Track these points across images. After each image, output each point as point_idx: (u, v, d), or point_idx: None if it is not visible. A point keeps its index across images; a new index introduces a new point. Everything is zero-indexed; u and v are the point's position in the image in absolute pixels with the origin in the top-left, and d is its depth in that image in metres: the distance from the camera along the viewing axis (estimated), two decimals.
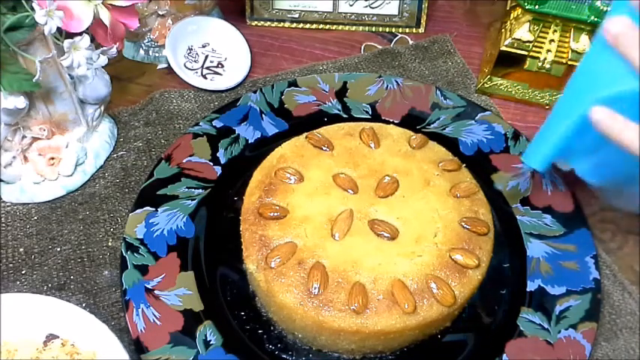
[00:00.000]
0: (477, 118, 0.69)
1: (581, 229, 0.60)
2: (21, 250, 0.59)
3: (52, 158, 0.63)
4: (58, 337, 0.47)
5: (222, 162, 0.64)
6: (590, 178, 0.51)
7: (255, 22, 0.82)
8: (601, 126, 0.44)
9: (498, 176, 0.64)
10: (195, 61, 0.75)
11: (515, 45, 0.72)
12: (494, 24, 0.81)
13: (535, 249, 0.59)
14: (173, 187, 0.61)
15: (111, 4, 0.56)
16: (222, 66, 0.76)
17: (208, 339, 0.52)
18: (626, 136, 0.43)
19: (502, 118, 0.71)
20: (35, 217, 0.62)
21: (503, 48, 0.72)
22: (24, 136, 0.61)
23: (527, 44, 0.71)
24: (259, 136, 0.67)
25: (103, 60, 0.57)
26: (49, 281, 0.57)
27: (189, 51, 0.76)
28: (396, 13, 0.81)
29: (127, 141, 0.68)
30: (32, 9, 0.50)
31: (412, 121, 0.68)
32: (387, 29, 0.82)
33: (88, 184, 0.64)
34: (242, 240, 0.53)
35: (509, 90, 0.74)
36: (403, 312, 0.49)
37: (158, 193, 0.61)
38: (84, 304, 0.56)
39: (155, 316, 0.53)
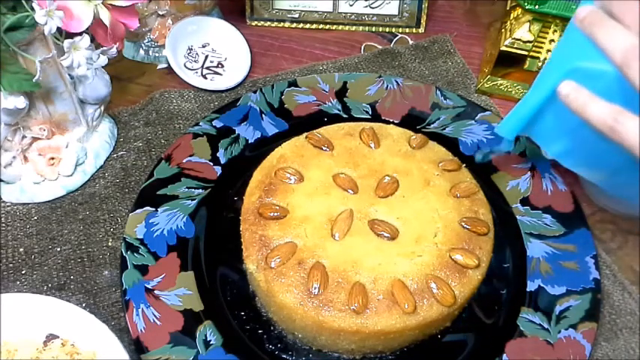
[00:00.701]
0: (477, 118, 0.69)
1: (581, 229, 0.60)
2: (21, 250, 0.59)
3: (52, 158, 0.63)
4: (58, 337, 0.47)
5: (222, 162, 0.64)
6: (565, 162, 0.52)
7: (255, 22, 0.82)
8: (567, 100, 0.44)
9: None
10: (195, 61, 0.75)
11: (515, 45, 0.72)
12: (494, 24, 0.81)
13: (535, 249, 0.59)
14: (173, 187, 0.61)
15: (111, 4, 0.56)
16: (222, 66, 0.76)
17: (208, 339, 0.52)
18: (590, 110, 0.43)
19: (502, 118, 0.71)
20: (35, 217, 0.62)
21: (503, 48, 0.72)
22: (24, 136, 0.61)
23: (527, 44, 0.71)
24: (259, 136, 0.67)
25: (103, 60, 0.57)
26: (49, 281, 0.57)
27: (189, 51, 0.76)
28: (396, 13, 0.81)
29: (127, 141, 0.68)
30: (32, 9, 0.50)
31: (412, 121, 0.68)
32: (387, 29, 0.82)
33: (88, 184, 0.64)
34: (242, 240, 0.53)
35: (509, 90, 0.74)
36: (403, 312, 0.49)
37: (158, 193, 0.61)
38: (84, 304, 0.56)
39: (155, 316, 0.53)
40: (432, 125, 0.68)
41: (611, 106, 0.42)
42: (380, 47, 0.80)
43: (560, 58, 0.49)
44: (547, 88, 0.49)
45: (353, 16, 0.81)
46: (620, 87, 0.42)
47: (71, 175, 0.63)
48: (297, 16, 0.81)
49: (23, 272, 0.58)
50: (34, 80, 0.53)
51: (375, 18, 0.81)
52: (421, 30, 0.82)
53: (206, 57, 0.76)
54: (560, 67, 0.47)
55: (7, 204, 0.62)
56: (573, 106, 0.44)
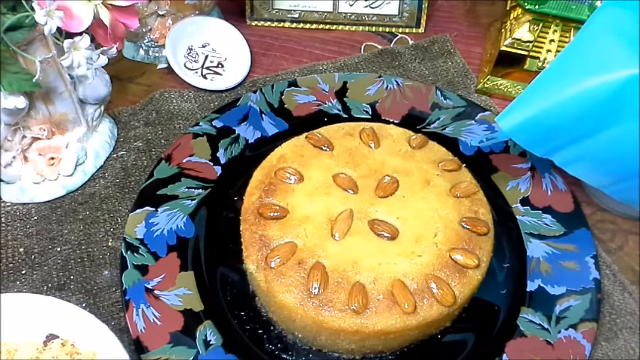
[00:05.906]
0: (477, 118, 0.69)
1: (581, 229, 0.60)
2: (21, 250, 0.59)
3: (52, 158, 0.63)
4: (58, 337, 0.47)
5: (222, 162, 0.64)
6: (570, 170, 0.52)
7: (255, 22, 0.82)
8: None
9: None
10: (195, 61, 0.75)
11: (515, 45, 0.72)
12: (494, 24, 0.81)
13: (535, 249, 0.59)
14: (173, 187, 0.61)
15: (111, 4, 0.56)
16: (222, 66, 0.76)
17: (208, 339, 0.52)
18: None
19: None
20: (35, 217, 0.62)
21: (503, 48, 0.72)
22: (24, 136, 0.61)
23: (527, 44, 0.71)
24: (259, 136, 0.67)
25: (103, 60, 0.57)
26: (49, 281, 0.57)
27: (189, 51, 0.76)
28: (396, 13, 0.81)
29: (127, 141, 0.68)
30: (32, 9, 0.50)
31: (412, 121, 0.68)
32: (387, 29, 0.82)
33: (88, 184, 0.64)
34: (242, 240, 0.53)
35: (509, 90, 0.74)
36: (403, 312, 0.49)
37: (158, 193, 0.61)
38: (84, 304, 0.56)
39: (155, 316, 0.53)
40: (432, 125, 0.68)
41: None
42: (380, 47, 0.80)
43: (574, 65, 0.47)
44: (556, 95, 0.47)
45: (353, 16, 0.81)
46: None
47: (71, 175, 0.63)
48: (297, 16, 0.81)
49: (23, 272, 0.58)
50: (34, 80, 0.53)
51: (375, 18, 0.81)
52: (421, 30, 0.82)
53: (206, 57, 0.76)
54: (575, 77, 0.45)
55: (7, 204, 0.62)
56: None
